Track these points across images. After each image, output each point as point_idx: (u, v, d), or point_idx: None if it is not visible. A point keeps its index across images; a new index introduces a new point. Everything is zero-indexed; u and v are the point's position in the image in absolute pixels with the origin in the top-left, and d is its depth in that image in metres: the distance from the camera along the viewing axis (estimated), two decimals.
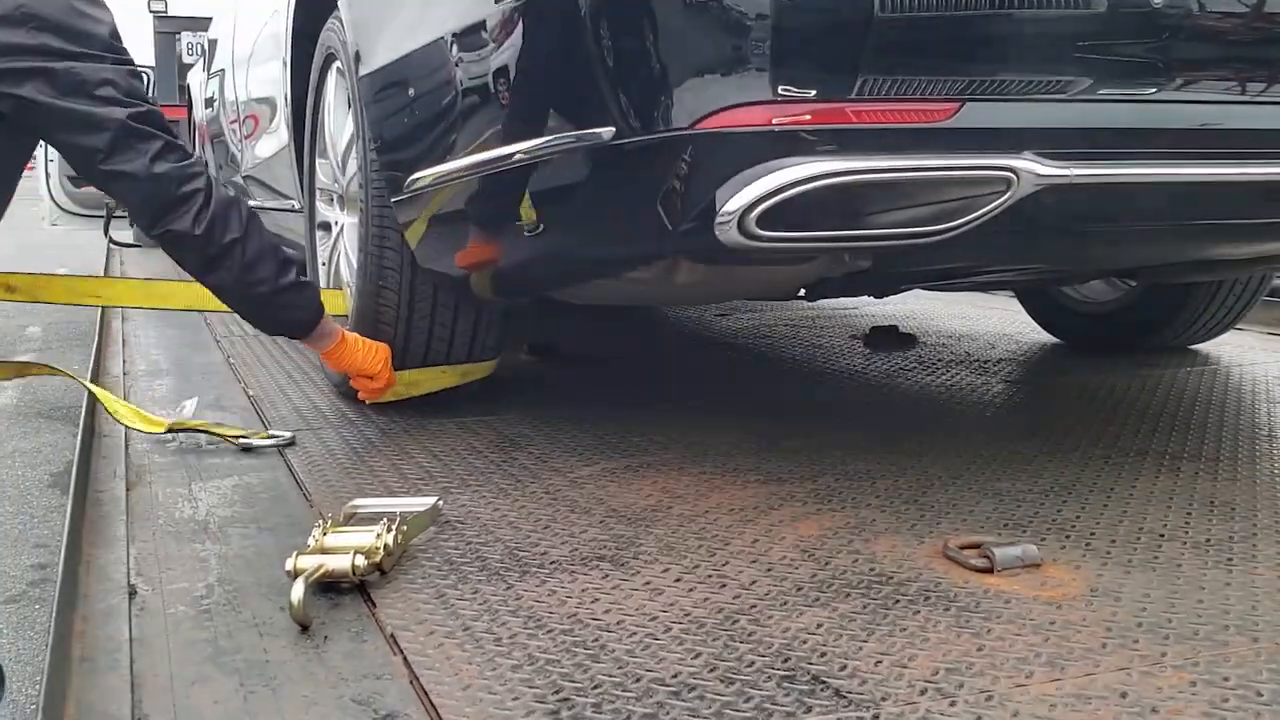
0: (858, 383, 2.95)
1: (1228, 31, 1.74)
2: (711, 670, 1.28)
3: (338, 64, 2.69)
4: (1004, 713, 1.19)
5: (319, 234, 3.04)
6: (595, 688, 1.24)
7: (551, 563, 1.61)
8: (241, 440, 2.25)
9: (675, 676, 1.26)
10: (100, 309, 4.33)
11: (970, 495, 1.92)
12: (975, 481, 2.00)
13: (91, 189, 12.21)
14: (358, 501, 1.80)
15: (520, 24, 1.81)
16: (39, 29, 1.77)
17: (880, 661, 1.30)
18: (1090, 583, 1.53)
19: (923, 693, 1.23)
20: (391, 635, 1.37)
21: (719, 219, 1.56)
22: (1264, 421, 2.48)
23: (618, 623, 1.40)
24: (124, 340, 3.65)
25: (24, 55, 1.76)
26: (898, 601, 1.47)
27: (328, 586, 1.51)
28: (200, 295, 2.27)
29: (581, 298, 2.33)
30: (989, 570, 1.56)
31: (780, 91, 1.55)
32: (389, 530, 1.57)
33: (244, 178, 4.65)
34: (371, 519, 1.67)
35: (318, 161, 3.00)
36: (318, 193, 3.03)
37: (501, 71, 1.85)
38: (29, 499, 1.76)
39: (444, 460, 2.14)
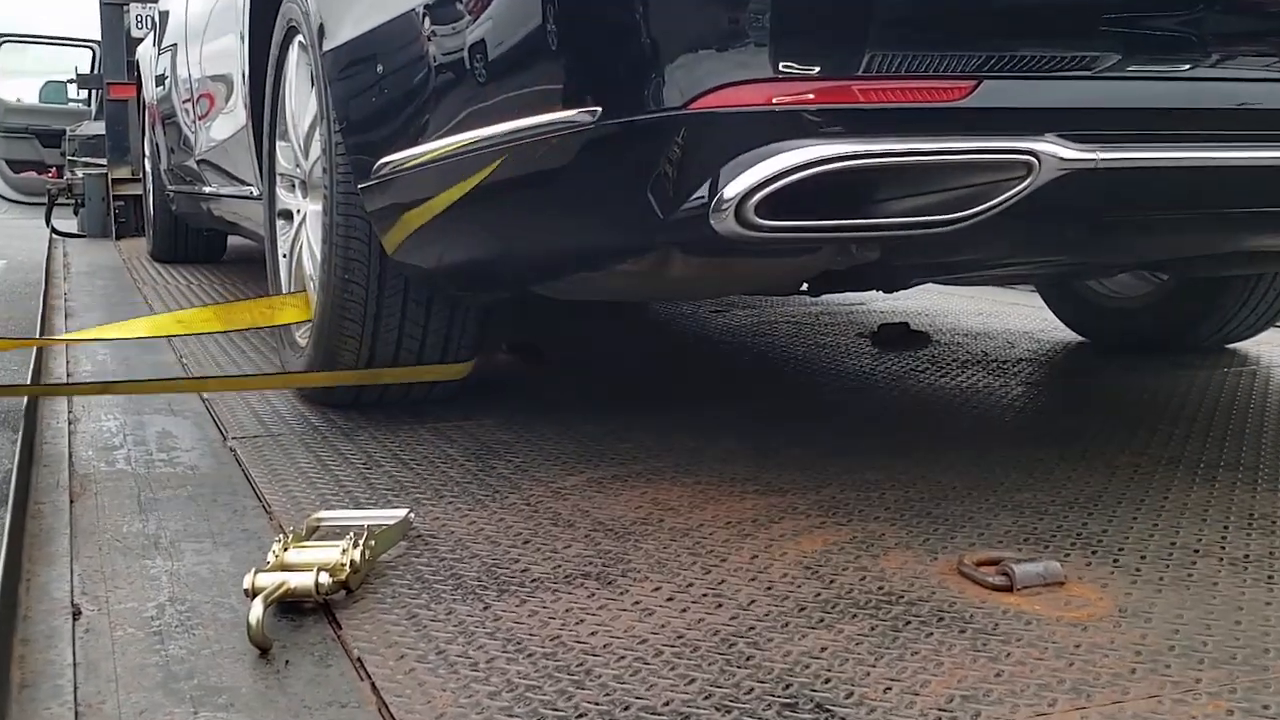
0: (865, 385, 2.96)
1: (1269, 1, 1.74)
2: (707, 697, 1.27)
3: (300, 38, 2.69)
4: None
5: (279, 223, 3.04)
6: (580, 716, 1.24)
7: (532, 581, 1.60)
8: None
9: (667, 704, 1.26)
10: (42, 303, 4.33)
11: (988, 507, 1.92)
12: (993, 493, 2.00)
13: (32, 175, 12.19)
14: (322, 514, 1.80)
15: None
16: None
17: (890, 688, 1.30)
18: (1118, 602, 1.53)
19: None
20: (359, 659, 1.37)
21: (715, 207, 1.56)
22: None
23: (604, 646, 1.40)
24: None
25: None
26: (909, 623, 1.47)
27: (289, 606, 1.50)
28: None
29: (566, 293, 2.33)
30: (1008, 589, 1.56)
31: (781, 68, 1.55)
32: (356, 545, 1.57)
33: (198, 162, 4.64)
34: (337, 533, 1.67)
35: (278, 144, 2.99)
36: (278, 178, 3.03)
37: (478, 47, 1.85)
38: None
39: (416, 469, 2.14)
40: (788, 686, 1.30)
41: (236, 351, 3.33)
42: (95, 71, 11.00)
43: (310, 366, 2.59)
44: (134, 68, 7.27)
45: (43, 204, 8.58)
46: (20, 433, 2.28)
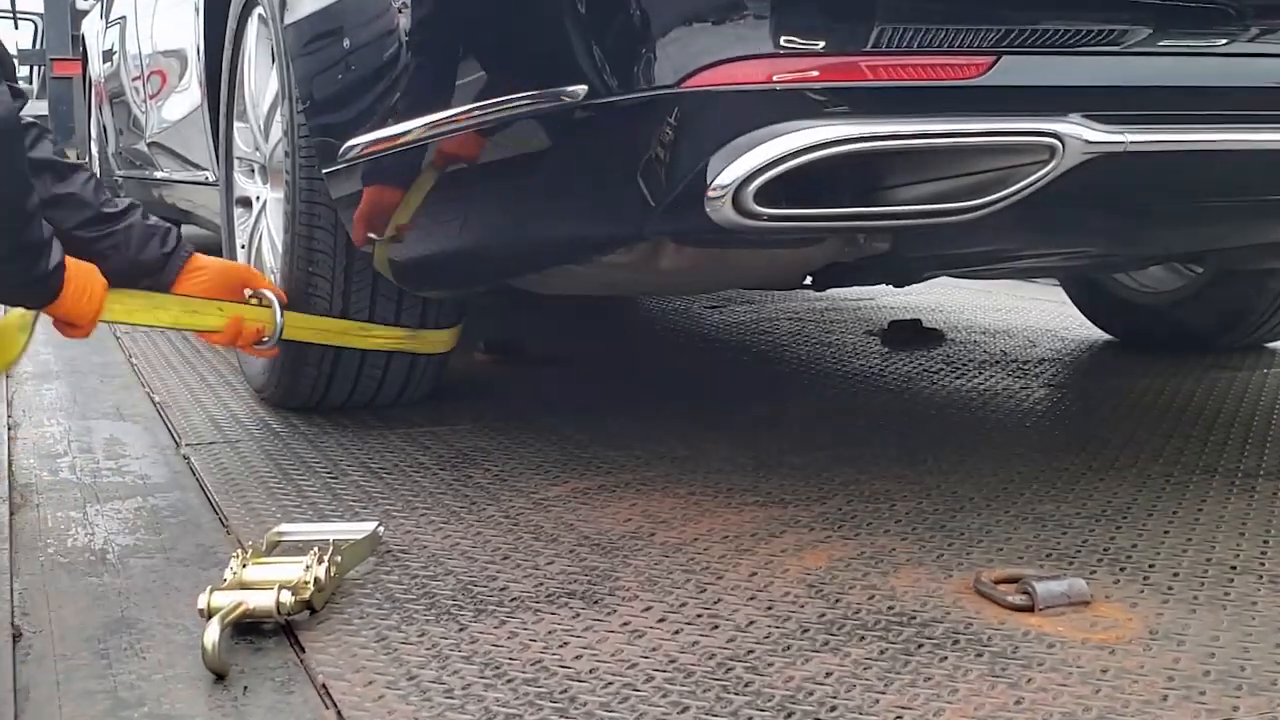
0: (874, 387, 2.96)
1: None
2: None
3: (260, 10, 2.69)
4: None
5: (237, 211, 3.04)
6: None
7: (512, 600, 1.60)
8: None
9: None
10: None
11: (1007, 520, 1.92)
12: (1013, 504, 2.00)
13: None
14: (283, 527, 1.79)
15: None
16: None
17: (900, 717, 1.30)
18: (1149, 623, 1.53)
19: None
20: (323, 685, 1.37)
21: (710, 193, 1.56)
22: None
23: (590, 671, 1.40)
24: None
25: None
26: (921, 646, 1.47)
27: (248, 628, 1.50)
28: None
29: (549, 287, 2.33)
30: (1029, 609, 1.56)
31: (783, 43, 1.55)
32: (320, 561, 1.57)
33: (149, 144, 4.64)
34: (300, 548, 1.66)
35: (236, 125, 2.99)
36: (236, 162, 3.03)
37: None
38: None
39: (385, 478, 2.14)
40: (790, 715, 1.30)
41: (190, 350, 3.33)
42: (37, 46, 10.96)
43: (270, 364, 2.58)
44: (79, 42, 7.25)
45: None
46: None
